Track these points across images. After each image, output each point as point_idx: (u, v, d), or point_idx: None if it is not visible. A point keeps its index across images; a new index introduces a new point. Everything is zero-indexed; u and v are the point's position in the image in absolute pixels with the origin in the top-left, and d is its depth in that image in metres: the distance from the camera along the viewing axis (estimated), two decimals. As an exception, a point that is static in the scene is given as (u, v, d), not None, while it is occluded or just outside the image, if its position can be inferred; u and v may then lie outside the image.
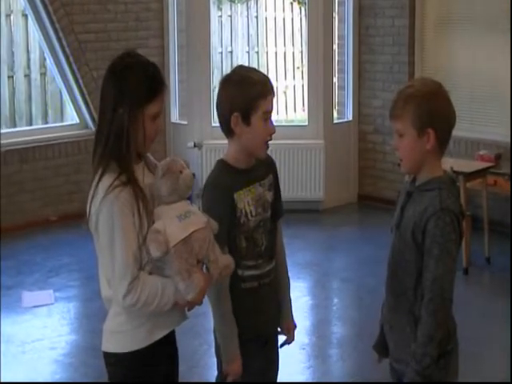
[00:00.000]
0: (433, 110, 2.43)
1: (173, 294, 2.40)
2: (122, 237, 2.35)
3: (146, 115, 2.40)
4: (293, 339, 2.94)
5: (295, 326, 2.94)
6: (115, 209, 2.34)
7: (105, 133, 2.42)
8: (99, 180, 2.39)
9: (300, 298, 5.30)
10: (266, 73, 2.82)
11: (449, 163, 5.16)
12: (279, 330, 2.90)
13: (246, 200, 2.66)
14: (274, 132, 2.67)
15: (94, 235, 2.45)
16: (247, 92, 2.58)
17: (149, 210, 2.40)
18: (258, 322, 2.74)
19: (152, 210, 2.42)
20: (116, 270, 2.36)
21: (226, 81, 2.66)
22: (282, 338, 2.94)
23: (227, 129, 2.64)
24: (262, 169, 2.75)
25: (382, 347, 2.69)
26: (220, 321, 2.68)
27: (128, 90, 2.38)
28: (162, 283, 2.39)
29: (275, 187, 2.81)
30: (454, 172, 5.24)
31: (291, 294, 2.93)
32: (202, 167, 7.12)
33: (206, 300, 2.51)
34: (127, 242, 2.35)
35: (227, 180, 2.65)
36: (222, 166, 2.69)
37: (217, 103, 2.67)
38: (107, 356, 2.52)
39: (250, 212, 2.66)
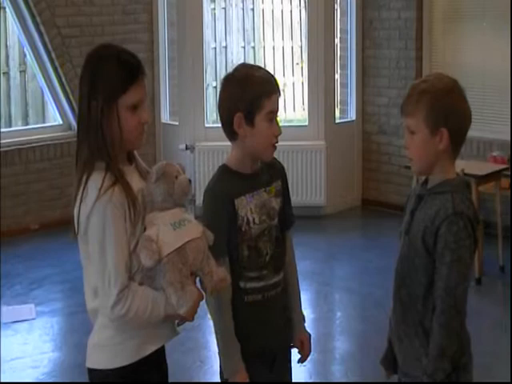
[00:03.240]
0: (447, 108, 2.43)
1: (164, 307, 2.39)
2: (114, 242, 2.34)
3: (121, 106, 2.40)
4: (309, 351, 2.91)
5: (310, 336, 2.91)
6: (108, 212, 2.34)
7: (84, 131, 2.43)
8: (87, 180, 2.38)
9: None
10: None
11: (460, 165, 5.14)
12: (292, 344, 2.88)
13: (248, 207, 2.65)
14: (280, 133, 2.68)
15: (80, 240, 2.44)
16: (250, 90, 2.58)
17: (139, 213, 2.40)
18: (262, 338, 2.72)
19: (144, 216, 2.42)
20: (105, 277, 2.35)
21: (228, 79, 2.66)
22: (296, 354, 2.91)
23: (230, 131, 2.64)
24: (269, 174, 2.75)
25: (389, 362, 2.69)
26: (220, 335, 2.67)
27: (100, 81, 2.40)
28: (153, 294, 2.38)
29: (284, 194, 2.80)
30: (466, 175, 5.23)
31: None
32: (195, 171, 7.11)
33: (198, 313, 2.49)
34: (119, 248, 2.35)
35: (227, 185, 2.65)
36: (223, 170, 2.70)
37: (218, 103, 2.68)
38: (92, 373, 2.50)
39: (253, 219, 2.66)
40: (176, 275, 2.36)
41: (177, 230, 2.39)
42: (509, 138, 6.58)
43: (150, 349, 2.48)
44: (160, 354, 2.55)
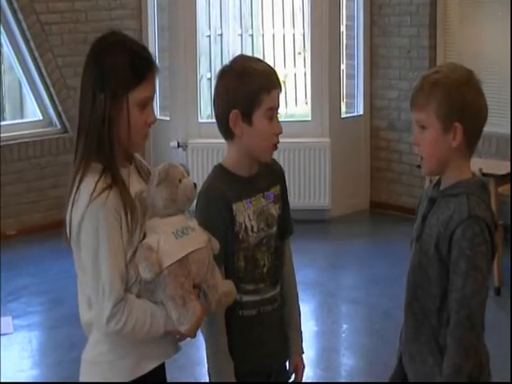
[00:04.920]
0: (462, 101, 2.43)
1: (164, 323, 2.39)
2: (108, 251, 2.34)
3: (131, 102, 2.40)
4: (300, 380, 2.90)
5: (304, 367, 2.90)
6: (101, 218, 2.33)
7: (85, 126, 2.42)
8: (80, 182, 2.38)
9: (303, 323, 5.19)
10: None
11: (477, 164, 5.17)
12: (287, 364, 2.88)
13: (246, 213, 2.66)
14: (281, 132, 2.68)
15: (73, 247, 2.44)
16: (248, 85, 2.59)
17: (137, 219, 2.40)
18: (257, 356, 2.72)
19: (142, 222, 2.41)
20: (99, 289, 2.35)
21: (225, 72, 2.66)
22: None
23: (225, 129, 2.65)
24: (267, 177, 2.75)
25: (400, 380, 2.68)
26: (213, 353, 2.66)
27: (109, 73, 2.39)
28: (152, 309, 2.38)
29: (283, 199, 2.80)
30: (484, 174, 5.24)
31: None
32: (188, 171, 7.09)
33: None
34: (114, 257, 2.34)
35: (224, 187, 2.64)
36: (220, 171, 2.70)
37: (213, 98, 2.69)
38: (86, 390, 2.51)
39: (251, 227, 2.66)
40: (177, 289, 2.36)
41: (179, 239, 2.39)
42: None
43: (148, 367, 2.48)
44: (160, 372, 2.55)
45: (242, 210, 2.65)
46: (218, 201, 2.63)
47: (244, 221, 2.65)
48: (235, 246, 2.64)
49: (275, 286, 2.76)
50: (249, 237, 2.66)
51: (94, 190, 2.34)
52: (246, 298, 2.68)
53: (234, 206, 2.63)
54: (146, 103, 2.45)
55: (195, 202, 2.64)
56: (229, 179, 2.67)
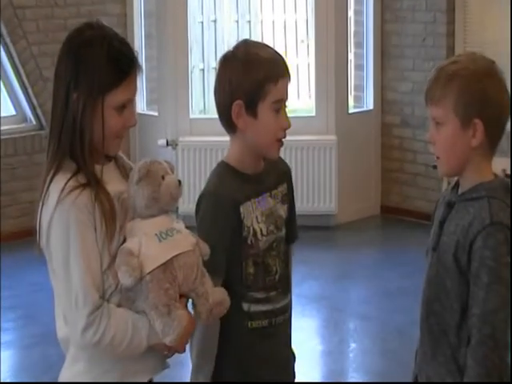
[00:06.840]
0: (483, 95, 2.43)
1: (147, 335, 2.40)
2: (80, 253, 2.35)
3: (108, 105, 2.42)
4: None
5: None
6: (71, 217, 2.35)
7: (57, 124, 2.44)
8: (50, 182, 2.40)
9: (306, 341, 5.29)
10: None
11: (500, 164, 5.15)
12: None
13: (253, 215, 2.68)
14: (289, 126, 2.70)
15: (46, 254, 2.45)
16: (253, 74, 2.61)
17: (117, 222, 2.41)
18: (267, 373, 2.74)
19: (123, 224, 2.42)
20: (72, 296, 2.35)
21: (227, 60, 2.69)
22: None
23: (228, 122, 2.67)
24: (274, 175, 2.77)
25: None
26: (201, 358, 2.65)
27: (86, 69, 2.40)
28: (133, 318, 2.39)
29: (290, 200, 2.83)
30: (507, 176, 5.24)
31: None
32: (178, 171, 7.10)
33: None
34: (87, 261, 2.35)
35: (231, 188, 2.66)
36: (225, 169, 2.71)
37: (215, 88, 2.71)
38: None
39: (260, 230, 2.68)
40: (161, 296, 2.37)
41: (163, 242, 2.40)
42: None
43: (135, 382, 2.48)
44: None
45: (250, 211, 2.67)
46: (226, 203, 2.65)
47: (252, 224, 2.67)
48: (243, 252, 2.66)
49: (287, 294, 2.78)
50: (258, 241, 2.68)
51: (63, 189, 2.36)
52: (256, 308, 2.70)
53: (242, 208, 2.66)
54: (125, 106, 2.47)
55: (195, 205, 2.67)
56: (235, 178, 2.69)
